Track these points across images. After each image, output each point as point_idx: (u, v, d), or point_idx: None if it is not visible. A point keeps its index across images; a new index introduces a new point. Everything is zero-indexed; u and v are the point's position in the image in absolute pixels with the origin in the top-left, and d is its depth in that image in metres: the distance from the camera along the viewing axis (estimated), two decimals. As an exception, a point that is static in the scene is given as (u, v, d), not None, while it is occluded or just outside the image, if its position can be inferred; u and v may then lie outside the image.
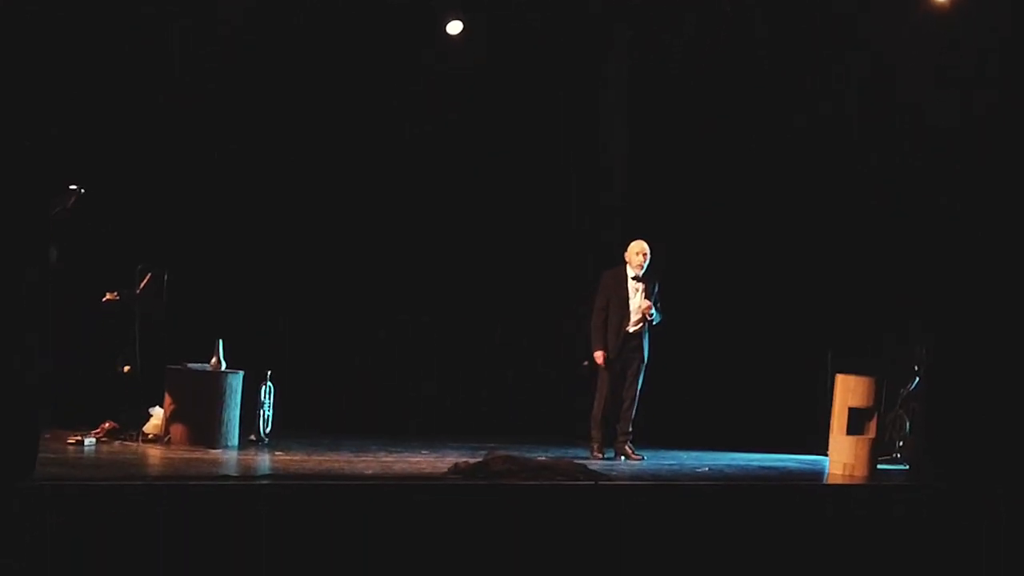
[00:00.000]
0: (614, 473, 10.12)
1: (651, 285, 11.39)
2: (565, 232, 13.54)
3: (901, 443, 12.39)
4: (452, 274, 13.20)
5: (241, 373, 10.76)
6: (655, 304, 11.32)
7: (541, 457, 10.17)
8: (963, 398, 11.64)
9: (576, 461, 10.21)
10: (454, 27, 12.81)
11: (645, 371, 11.41)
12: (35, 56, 8.38)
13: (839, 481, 10.99)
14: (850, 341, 12.91)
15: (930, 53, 12.30)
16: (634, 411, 11.39)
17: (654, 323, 11.36)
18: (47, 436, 9.09)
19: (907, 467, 12.00)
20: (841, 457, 11.23)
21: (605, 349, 11.35)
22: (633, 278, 11.40)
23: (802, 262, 13.54)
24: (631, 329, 11.33)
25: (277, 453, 10.40)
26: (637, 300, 11.37)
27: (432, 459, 10.38)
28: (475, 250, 13.28)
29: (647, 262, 11.39)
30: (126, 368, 10.55)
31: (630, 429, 11.37)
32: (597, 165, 13.81)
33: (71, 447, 9.83)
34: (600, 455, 11.20)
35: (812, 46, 13.11)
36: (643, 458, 11.29)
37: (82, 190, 9.82)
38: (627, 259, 11.45)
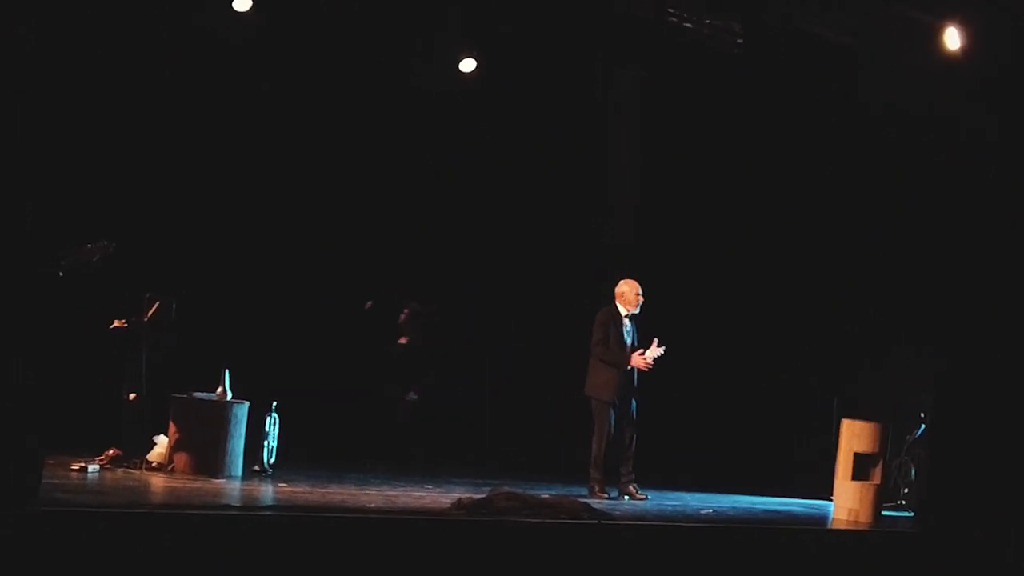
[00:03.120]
0: (617, 513, 10.07)
1: (639, 324, 11.36)
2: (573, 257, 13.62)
3: (906, 490, 12.35)
4: (463, 301, 13.26)
5: (246, 403, 10.74)
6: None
7: (545, 495, 10.13)
8: (969, 445, 11.60)
9: (580, 500, 10.18)
10: (467, 64, 12.94)
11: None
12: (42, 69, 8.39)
13: (843, 526, 10.93)
14: (857, 386, 12.90)
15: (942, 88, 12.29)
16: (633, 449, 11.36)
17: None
18: (51, 462, 9.06)
19: (912, 514, 11.95)
20: (846, 502, 11.18)
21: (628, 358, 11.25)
22: (627, 316, 11.38)
23: (811, 307, 13.55)
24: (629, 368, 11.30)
25: (280, 484, 10.36)
26: (631, 339, 11.35)
27: (436, 494, 10.35)
28: (511, 276, 13.38)
29: (641, 301, 11.38)
30: (132, 396, 10.55)
31: (632, 468, 11.33)
32: (606, 201, 13.92)
33: (75, 473, 9.81)
34: (604, 494, 11.14)
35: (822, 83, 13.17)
36: (648, 497, 11.24)
37: (112, 247, 9.81)
38: (620, 299, 11.40)
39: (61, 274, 9.08)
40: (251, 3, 11.81)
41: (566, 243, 13.68)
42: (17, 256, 7.70)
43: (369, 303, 12.33)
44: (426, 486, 10.78)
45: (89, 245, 9.67)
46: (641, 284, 11.39)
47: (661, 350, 11.22)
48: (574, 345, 12.31)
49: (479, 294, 13.34)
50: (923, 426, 12.28)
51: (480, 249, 13.39)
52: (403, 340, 12.50)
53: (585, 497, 10.70)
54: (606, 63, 13.64)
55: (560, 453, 12.64)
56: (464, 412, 13.09)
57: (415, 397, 12.45)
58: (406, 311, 12.49)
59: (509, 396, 13.31)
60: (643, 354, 11.21)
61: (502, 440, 13.02)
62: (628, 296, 11.36)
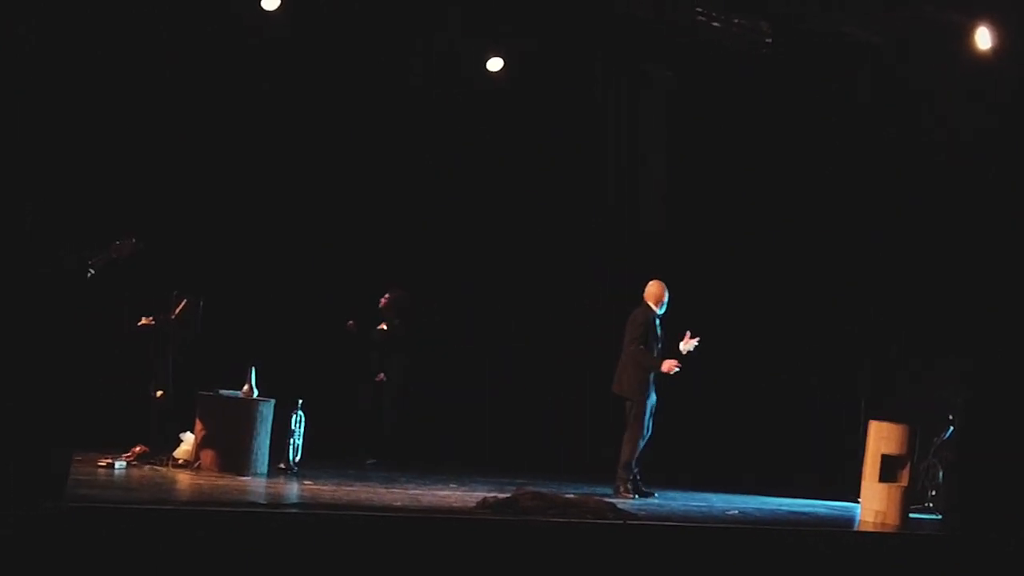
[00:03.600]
0: (643, 513, 10.05)
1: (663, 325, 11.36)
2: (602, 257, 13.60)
3: (934, 492, 12.28)
4: (489, 301, 13.28)
5: (272, 401, 10.76)
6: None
7: (570, 495, 10.12)
8: (997, 447, 11.55)
9: (605, 499, 10.17)
10: (494, 64, 13.01)
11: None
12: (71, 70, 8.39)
13: (870, 528, 10.88)
14: (884, 388, 12.83)
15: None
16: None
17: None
18: (78, 458, 9.10)
19: (939, 517, 11.89)
20: (873, 504, 11.13)
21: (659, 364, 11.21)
22: (658, 317, 11.36)
23: (839, 309, 13.50)
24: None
25: (306, 482, 10.39)
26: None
27: (461, 493, 10.35)
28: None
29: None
30: (159, 393, 10.59)
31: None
32: (635, 197, 13.92)
33: (101, 470, 9.86)
34: (629, 495, 11.11)
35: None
36: (655, 494, 11.25)
37: (139, 244, 9.78)
38: (650, 299, 11.36)
39: (92, 272, 9.12)
40: (279, 1, 11.84)
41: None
42: (44, 255, 7.74)
43: (351, 323, 12.31)
44: (451, 485, 10.79)
45: (117, 243, 9.70)
46: (649, 284, 11.38)
47: (695, 342, 11.20)
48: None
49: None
50: (951, 428, 12.21)
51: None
52: (383, 326, 12.49)
53: (610, 497, 10.68)
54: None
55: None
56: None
57: (383, 379, 12.42)
58: (387, 296, 12.48)
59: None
60: (679, 363, 11.16)
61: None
62: (661, 297, 11.34)
